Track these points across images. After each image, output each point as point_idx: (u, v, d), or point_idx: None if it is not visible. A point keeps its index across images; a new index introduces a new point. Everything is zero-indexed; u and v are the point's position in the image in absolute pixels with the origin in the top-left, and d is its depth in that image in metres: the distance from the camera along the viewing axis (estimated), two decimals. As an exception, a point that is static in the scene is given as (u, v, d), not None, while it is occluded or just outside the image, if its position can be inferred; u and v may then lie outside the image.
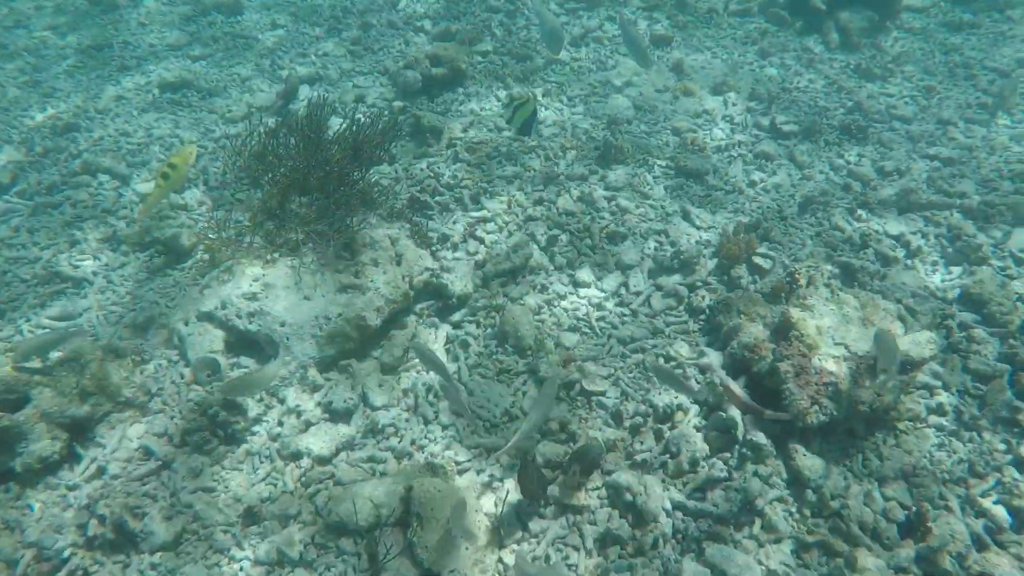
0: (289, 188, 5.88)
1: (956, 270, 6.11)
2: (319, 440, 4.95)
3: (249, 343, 5.50)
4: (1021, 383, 5.11)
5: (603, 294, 5.83)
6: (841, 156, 7.36)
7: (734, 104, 8.08)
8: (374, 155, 6.14)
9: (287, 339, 5.36)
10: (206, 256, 6.20)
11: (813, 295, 5.24)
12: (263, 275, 5.65)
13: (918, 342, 4.89)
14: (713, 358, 5.19)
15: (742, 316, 5.27)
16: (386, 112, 7.97)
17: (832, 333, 4.86)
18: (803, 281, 5.63)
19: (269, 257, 5.79)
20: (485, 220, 6.51)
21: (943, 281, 6.03)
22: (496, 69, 8.66)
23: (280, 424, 5.06)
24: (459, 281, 5.79)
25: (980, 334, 5.42)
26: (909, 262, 6.15)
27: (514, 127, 5.45)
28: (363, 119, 6.27)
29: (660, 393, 5.04)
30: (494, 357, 5.39)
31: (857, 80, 8.65)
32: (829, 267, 5.96)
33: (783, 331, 4.97)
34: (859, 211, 6.64)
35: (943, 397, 5.06)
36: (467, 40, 9.10)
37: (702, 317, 5.63)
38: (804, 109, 8.06)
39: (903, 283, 5.80)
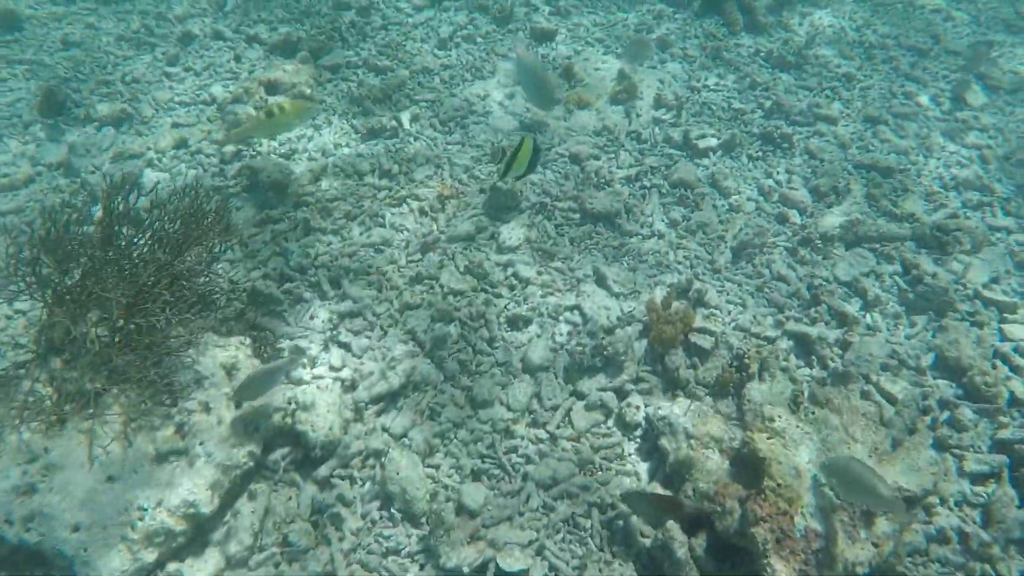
0: (84, 303, 4.20)
1: (920, 321, 5.15)
2: None
3: (29, 559, 3.90)
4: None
5: (511, 413, 4.52)
6: (769, 175, 6.25)
7: (639, 115, 6.82)
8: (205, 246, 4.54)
9: (84, 550, 3.79)
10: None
11: (777, 407, 4.12)
12: (45, 450, 4.01)
13: (916, 467, 3.86)
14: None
15: (691, 441, 4.09)
16: (216, 163, 6.26)
17: (813, 470, 3.76)
18: (754, 367, 4.54)
19: (53, 418, 4.13)
20: (351, 315, 5.03)
21: (908, 339, 5.05)
22: (351, 89, 7.03)
23: None
24: (322, 419, 4.33)
25: (967, 416, 4.48)
26: (869, 319, 5.14)
27: (514, 176, 4.74)
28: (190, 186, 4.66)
29: (607, 565, 3.83)
30: (376, 534, 4.01)
31: (771, 71, 7.56)
32: (784, 343, 4.87)
33: (750, 466, 3.84)
34: (801, 250, 5.57)
35: (943, 518, 4.07)
36: (312, 53, 7.38)
37: (638, 434, 4.42)
38: (719, 114, 6.90)
39: (870, 354, 4.78)
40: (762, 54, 7.75)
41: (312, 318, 5.05)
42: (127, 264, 4.26)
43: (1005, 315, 5.22)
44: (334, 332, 4.90)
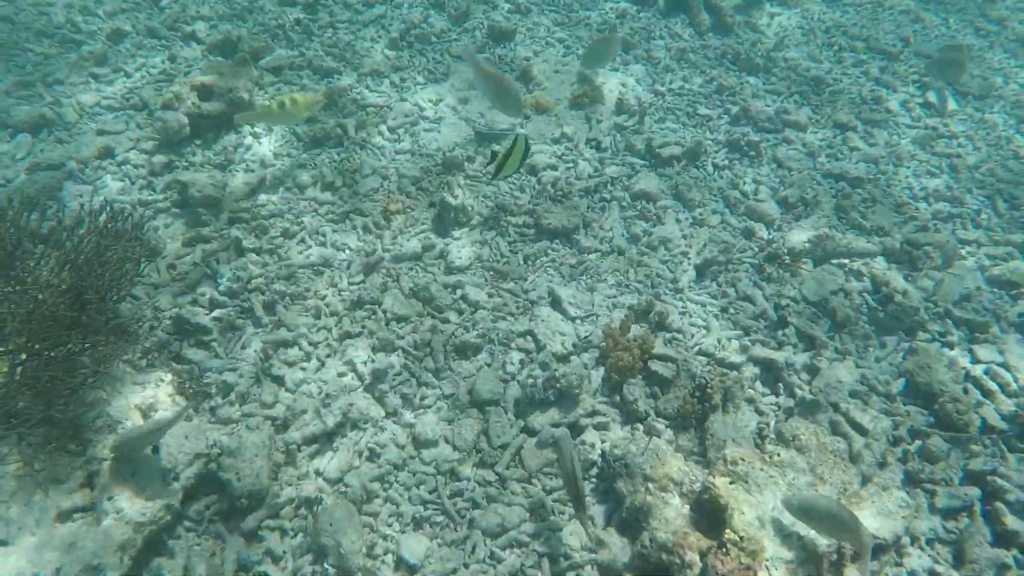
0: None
1: (890, 342, 4.91)
2: None
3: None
4: (998, 518, 3.97)
5: (457, 453, 4.17)
6: (735, 186, 5.96)
7: (599, 120, 6.49)
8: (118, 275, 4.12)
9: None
10: None
11: (741, 444, 3.83)
12: (-71, 506, 3.59)
13: (887, 511, 3.60)
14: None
15: (649, 484, 3.78)
16: (144, 174, 5.81)
17: (778, 517, 3.47)
18: (717, 398, 4.26)
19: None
20: (286, 344, 4.65)
21: (878, 361, 4.80)
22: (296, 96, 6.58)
23: None
24: (249, 465, 3.95)
25: (938, 446, 4.23)
26: (838, 341, 4.87)
27: (507, 172, 4.72)
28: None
29: (551, 626, 3.51)
30: (307, 596, 3.65)
31: (738, 74, 7.27)
32: (749, 371, 4.58)
33: (711, 513, 3.55)
34: (768, 267, 5.29)
35: (914, 559, 3.81)
36: (253, 53, 6.93)
37: (594, 474, 4.10)
38: (684, 120, 6.60)
39: (839, 381, 4.51)
40: (729, 56, 7.46)
41: (244, 347, 4.66)
42: (29, 289, 3.83)
43: (976, 334, 5.00)
44: (266, 364, 4.51)
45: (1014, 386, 4.60)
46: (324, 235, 5.34)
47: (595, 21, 7.92)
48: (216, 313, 4.81)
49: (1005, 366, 4.73)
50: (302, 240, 5.31)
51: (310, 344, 4.65)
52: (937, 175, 6.27)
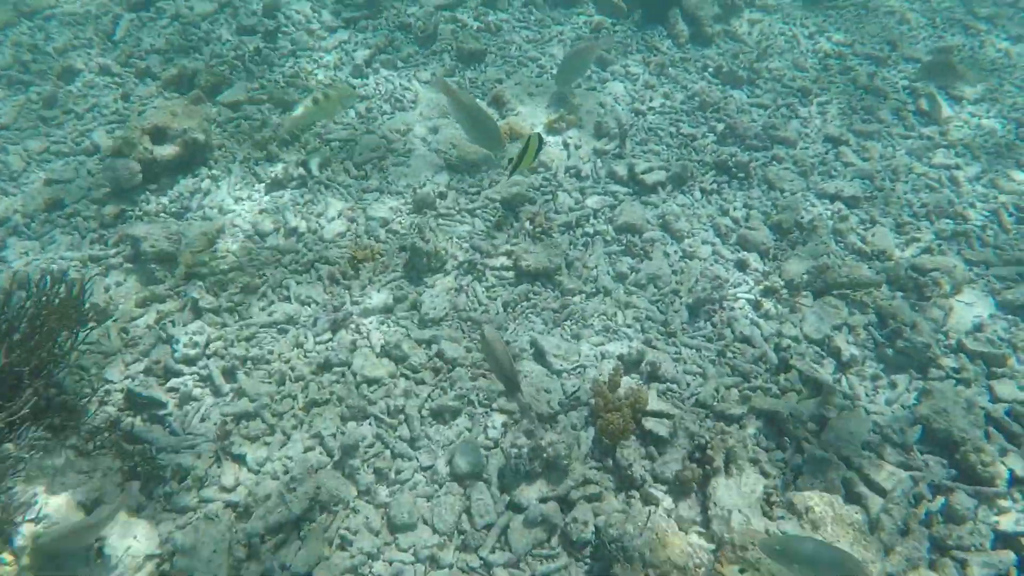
0: None
1: (901, 381, 4.56)
2: None
3: None
4: (1035, 582, 3.62)
5: (437, 537, 3.78)
6: (725, 212, 5.61)
7: (577, 146, 6.12)
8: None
9: None
10: None
11: (748, 511, 3.47)
12: None
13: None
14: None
15: (649, 571, 3.41)
16: (94, 227, 5.41)
17: (794, 610, 3.10)
18: (719, 459, 3.91)
19: None
20: (247, 416, 4.25)
21: (889, 404, 4.45)
22: (254, 130, 6.19)
23: None
24: (206, 566, 3.55)
25: (963, 503, 3.88)
26: (845, 384, 4.52)
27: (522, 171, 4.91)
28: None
29: None
30: None
31: (722, 88, 6.91)
32: (752, 425, 4.22)
33: (719, 606, 3.18)
34: (765, 303, 4.94)
35: (947, 639, 3.47)
36: (209, 89, 6.52)
37: (587, 554, 3.73)
38: (667, 141, 6.24)
39: (849, 432, 4.15)
40: (711, 69, 7.11)
41: (203, 420, 4.26)
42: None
43: (993, 368, 4.66)
44: (226, 442, 4.11)
45: (1039, 428, 4.26)
46: (288, 288, 4.95)
47: (569, 36, 7.55)
48: (172, 383, 4.41)
49: (1026, 404, 4.39)
50: (264, 295, 4.91)
51: (274, 415, 4.25)
52: (937, 189, 5.94)
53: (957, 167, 6.16)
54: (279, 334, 4.69)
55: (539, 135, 4.34)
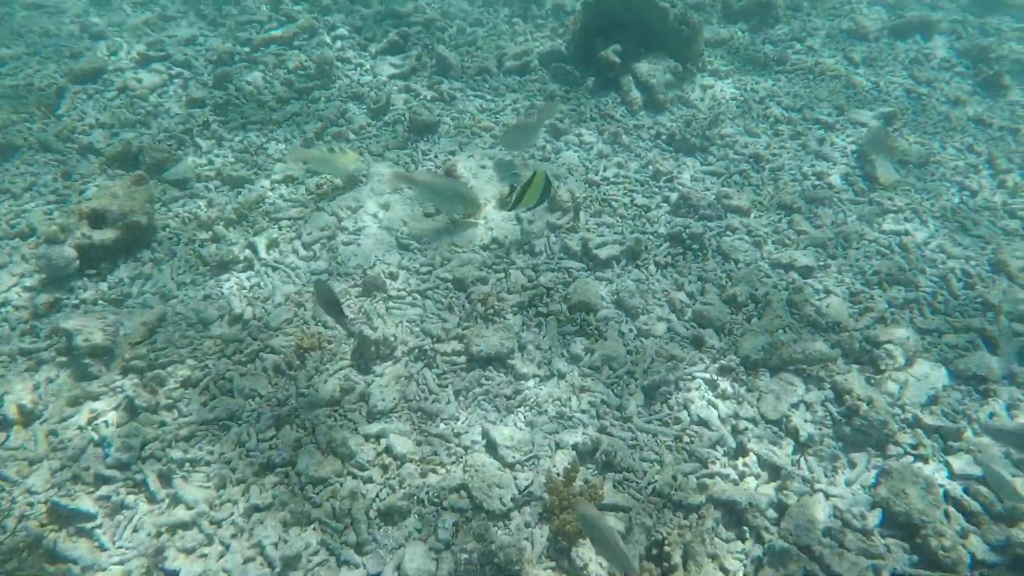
0: None
1: (860, 461, 4.49)
2: None
3: None
4: None
5: (383, 656, 3.58)
6: (680, 287, 5.56)
7: (531, 221, 6.07)
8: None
9: None
10: None
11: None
12: None
13: None
14: None
15: None
16: (24, 318, 5.19)
17: None
18: (677, 556, 3.78)
19: None
20: (184, 526, 4.02)
21: (849, 484, 4.37)
22: (200, 212, 6.05)
23: None
24: None
25: (927, 596, 3.79)
26: (803, 467, 4.43)
27: (523, 208, 4.93)
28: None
29: None
30: None
31: (675, 156, 6.95)
32: (712, 517, 4.10)
33: None
34: (721, 382, 4.86)
35: None
36: (154, 166, 6.39)
37: (544, 668, 3.55)
38: (621, 211, 6.22)
39: (810, 521, 4.05)
40: (664, 136, 7.15)
41: (136, 531, 4.02)
42: None
43: (950, 443, 4.62)
44: (160, 556, 3.88)
45: (999, 506, 4.20)
46: (231, 380, 4.76)
47: (522, 105, 7.57)
48: (103, 491, 4.18)
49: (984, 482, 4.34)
50: (206, 389, 4.72)
51: (212, 524, 4.04)
52: (888, 255, 5.97)
53: (907, 233, 6.21)
54: (221, 431, 4.49)
55: (546, 173, 4.53)
